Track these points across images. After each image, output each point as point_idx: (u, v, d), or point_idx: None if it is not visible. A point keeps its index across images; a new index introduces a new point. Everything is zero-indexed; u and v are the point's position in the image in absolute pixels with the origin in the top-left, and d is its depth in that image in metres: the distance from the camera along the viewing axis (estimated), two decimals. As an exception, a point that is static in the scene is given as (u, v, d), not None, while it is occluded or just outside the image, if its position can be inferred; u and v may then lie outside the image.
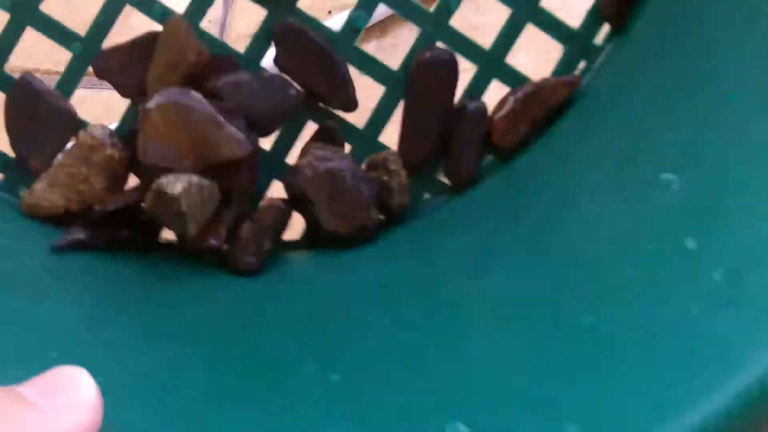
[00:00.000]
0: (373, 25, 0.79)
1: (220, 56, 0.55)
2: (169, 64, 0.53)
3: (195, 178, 0.49)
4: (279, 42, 0.54)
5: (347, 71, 0.55)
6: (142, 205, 0.50)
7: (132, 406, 0.38)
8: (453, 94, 0.55)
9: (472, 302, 0.46)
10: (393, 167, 0.55)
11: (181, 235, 0.51)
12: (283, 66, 0.55)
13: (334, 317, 0.49)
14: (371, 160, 0.56)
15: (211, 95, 0.52)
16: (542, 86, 0.55)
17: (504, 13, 0.57)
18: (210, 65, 0.54)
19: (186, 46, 0.52)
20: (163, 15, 0.55)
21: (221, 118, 0.50)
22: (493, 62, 0.57)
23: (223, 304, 0.52)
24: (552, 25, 0.57)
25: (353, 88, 0.55)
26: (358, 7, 0.56)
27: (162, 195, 0.48)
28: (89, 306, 0.49)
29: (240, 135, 0.50)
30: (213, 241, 0.51)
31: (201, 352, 0.46)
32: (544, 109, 0.55)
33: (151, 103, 0.49)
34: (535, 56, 0.62)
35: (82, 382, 0.26)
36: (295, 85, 0.54)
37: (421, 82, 0.55)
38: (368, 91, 0.56)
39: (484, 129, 0.56)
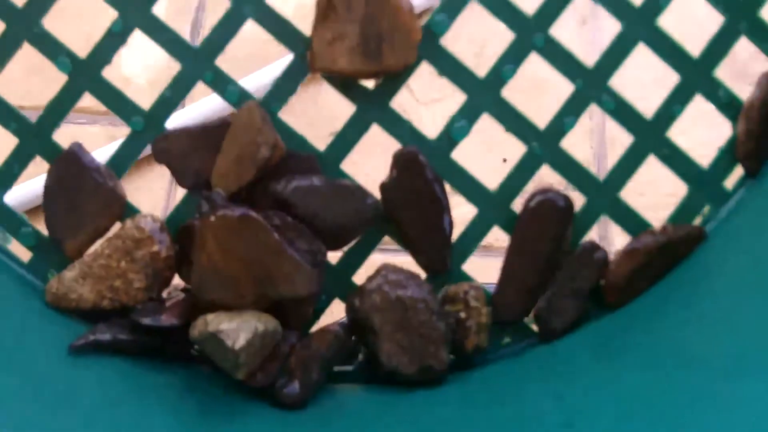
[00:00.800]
0: None
1: (297, 154, 0.48)
2: (240, 157, 0.46)
3: (260, 326, 0.44)
4: (394, 166, 0.49)
5: (450, 232, 0.49)
6: (190, 333, 0.44)
7: None
8: (565, 240, 0.48)
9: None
10: (474, 304, 0.49)
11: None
12: (386, 193, 0.49)
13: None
14: (449, 292, 0.49)
15: (279, 200, 0.46)
16: (672, 238, 0.48)
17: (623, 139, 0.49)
18: (285, 162, 0.47)
19: (261, 138, 0.46)
20: (240, 99, 0.49)
21: (288, 248, 0.44)
22: (605, 196, 0.50)
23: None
24: (678, 161, 0.50)
25: (449, 251, 0.50)
26: (459, 119, 0.49)
27: (219, 341, 0.42)
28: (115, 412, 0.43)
29: (307, 269, 0.44)
30: (260, 380, 0.44)
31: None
32: (669, 264, 0.48)
33: (209, 226, 0.43)
34: (654, 196, 0.55)
35: None
36: (374, 197, 0.48)
37: (531, 227, 0.49)
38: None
39: (595, 280, 0.49)
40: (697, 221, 0.50)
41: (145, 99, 0.50)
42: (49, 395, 0.43)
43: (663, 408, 0.40)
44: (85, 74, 0.49)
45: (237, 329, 0.43)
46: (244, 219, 0.43)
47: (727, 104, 0.50)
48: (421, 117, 0.70)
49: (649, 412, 0.40)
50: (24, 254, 0.51)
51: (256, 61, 0.73)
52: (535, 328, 0.50)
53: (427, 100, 0.54)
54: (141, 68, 0.59)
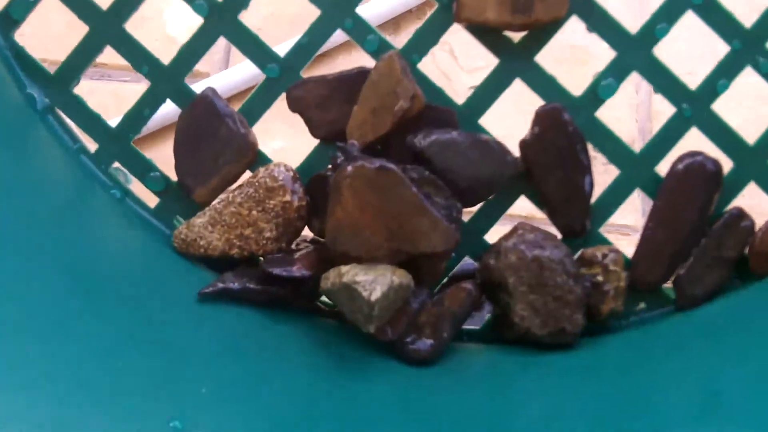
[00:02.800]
0: (387, 21, 0.73)
1: (436, 107, 0.47)
2: (378, 108, 0.46)
3: (396, 280, 0.43)
4: (536, 123, 0.48)
5: (590, 194, 0.49)
6: (321, 284, 0.44)
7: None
8: (711, 207, 0.47)
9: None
10: (613, 267, 0.48)
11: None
12: (526, 150, 0.48)
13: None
14: (586, 255, 0.48)
15: (416, 153, 0.45)
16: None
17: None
18: (423, 115, 0.47)
19: (400, 89, 0.45)
20: (379, 48, 0.49)
21: (426, 203, 0.44)
22: (755, 162, 0.49)
23: (390, 394, 0.45)
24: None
25: (588, 214, 0.49)
26: (606, 76, 0.48)
27: (354, 291, 0.42)
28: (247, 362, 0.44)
29: (445, 225, 0.44)
30: (390, 335, 0.44)
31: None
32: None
33: (345, 177, 0.43)
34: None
35: None
36: (514, 154, 0.47)
37: (677, 191, 0.48)
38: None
39: (741, 249, 0.48)
40: None
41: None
42: (177, 343, 0.44)
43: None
44: (221, 17, 0.49)
45: (373, 281, 0.43)
46: (381, 171, 0.43)
47: None
48: (464, 85, 0.69)
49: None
50: (150, 199, 0.51)
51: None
52: (672, 295, 0.49)
53: (471, 68, 0.53)
54: (185, 29, 0.57)
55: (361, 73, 0.48)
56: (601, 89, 0.48)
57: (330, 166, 0.46)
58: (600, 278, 0.48)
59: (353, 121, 0.47)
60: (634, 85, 0.71)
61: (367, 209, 0.43)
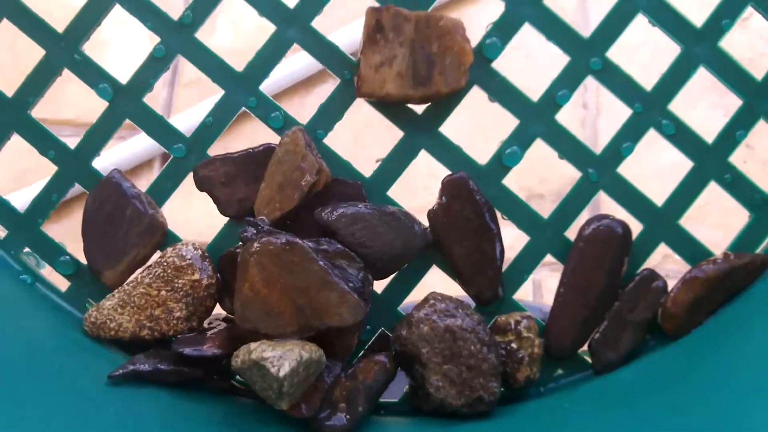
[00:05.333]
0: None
1: (343, 181, 0.49)
2: (284, 184, 0.47)
3: (305, 354, 0.44)
4: (443, 193, 0.49)
5: (501, 262, 0.50)
6: (232, 363, 0.44)
7: None
8: (621, 270, 0.49)
9: None
10: (526, 334, 0.49)
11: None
12: (434, 221, 0.49)
13: None
14: (499, 322, 0.49)
15: (324, 227, 0.46)
16: (734, 266, 0.48)
17: (683, 164, 0.50)
18: (330, 189, 0.48)
19: (305, 163, 0.47)
20: (285, 125, 0.50)
21: (333, 276, 0.44)
22: (664, 224, 0.50)
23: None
24: (740, 186, 0.50)
25: (500, 281, 0.50)
26: (510, 144, 0.50)
27: (263, 368, 0.42)
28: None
29: (353, 298, 0.45)
30: (304, 411, 0.45)
31: None
32: (730, 294, 0.48)
33: (252, 254, 0.44)
34: (711, 223, 0.55)
35: None
36: (423, 225, 0.48)
37: (586, 255, 0.49)
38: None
39: (654, 311, 0.49)
40: (760, 249, 0.50)
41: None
42: (87, 426, 0.44)
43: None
44: (126, 100, 0.50)
45: (281, 357, 0.43)
46: (288, 246, 0.44)
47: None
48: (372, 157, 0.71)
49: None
50: (60, 283, 0.51)
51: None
52: (588, 359, 0.50)
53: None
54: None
55: (267, 150, 0.49)
56: (505, 157, 0.50)
57: (240, 243, 0.47)
58: (514, 345, 0.49)
59: (260, 199, 0.48)
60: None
61: (275, 285, 0.44)
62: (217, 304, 0.49)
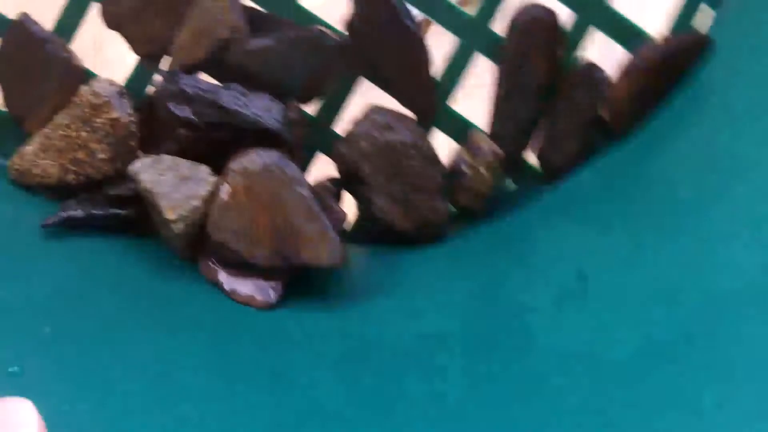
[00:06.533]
0: None
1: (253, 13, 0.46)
2: (199, 32, 0.45)
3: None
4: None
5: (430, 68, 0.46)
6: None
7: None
8: (554, 58, 0.46)
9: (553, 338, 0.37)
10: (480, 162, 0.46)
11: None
12: (354, 30, 0.46)
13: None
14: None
15: (235, 67, 0.45)
16: (674, 48, 0.45)
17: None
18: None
19: (225, 18, 0.44)
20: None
21: (317, 209, 0.41)
22: (594, 7, 0.47)
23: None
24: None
25: (433, 90, 0.47)
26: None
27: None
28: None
29: (333, 236, 0.42)
30: None
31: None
32: (673, 78, 0.45)
33: (239, 165, 0.42)
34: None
35: (27, 416, 0.26)
36: (338, 36, 0.46)
37: (517, 49, 0.46)
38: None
39: (597, 106, 0.46)
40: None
41: None
42: (19, 279, 0.43)
43: (676, 248, 0.38)
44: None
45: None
46: (280, 167, 0.42)
47: None
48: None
49: (661, 251, 0.38)
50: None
51: None
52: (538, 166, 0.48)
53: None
54: None
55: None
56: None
57: (154, 87, 0.45)
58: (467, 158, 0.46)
59: (178, 43, 0.46)
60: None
61: (258, 198, 0.41)
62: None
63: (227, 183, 0.41)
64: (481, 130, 0.47)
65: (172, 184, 0.42)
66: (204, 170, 0.43)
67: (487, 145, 0.46)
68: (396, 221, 0.45)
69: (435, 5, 0.47)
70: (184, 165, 0.43)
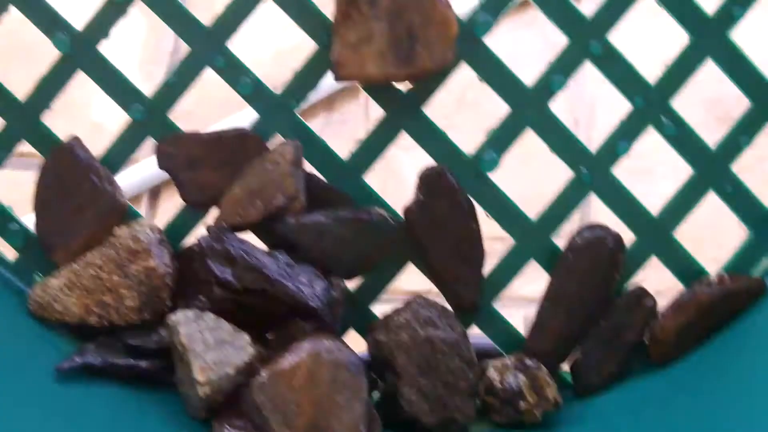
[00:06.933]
0: (321, 101, 0.75)
1: (332, 190, 0.46)
2: (254, 192, 0.44)
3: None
4: (421, 187, 0.46)
5: (482, 266, 0.46)
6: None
7: None
8: (611, 285, 0.46)
9: None
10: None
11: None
12: (411, 218, 0.46)
13: None
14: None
15: (284, 240, 0.44)
16: (728, 290, 0.45)
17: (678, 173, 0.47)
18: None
19: (285, 185, 0.44)
20: (254, 92, 0.47)
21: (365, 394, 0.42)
22: (657, 235, 0.47)
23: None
24: (741, 200, 0.47)
25: (480, 287, 0.47)
26: (486, 148, 0.47)
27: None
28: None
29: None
30: None
31: None
32: (723, 319, 0.45)
33: (319, 347, 0.41)
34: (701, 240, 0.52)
35: None
36: (395, 222, 0.45)
37: (573, 266, 0.46)
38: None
39: (641, 332, 0.46)
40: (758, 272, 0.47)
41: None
42: (33, 416, 0.41)
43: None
44: (81, 49, 0.46)
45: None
46: (348, 375, 0.42)
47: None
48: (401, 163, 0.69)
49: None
50: (9, 251, 0.48)
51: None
52: (569, 380, 0.48)
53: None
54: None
55: (239, 135, 0.46)
56: (488, 155, 0.47)
57: (198, 241, 0.44)
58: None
59: (229, 197, 0.45)
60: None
61: (312, 386, 0.41)
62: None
63: (296, 355, 0.41)
64: (522, 336, 0.47)
65: (210, 344, 0.42)
66: (245, 338, 0.43)
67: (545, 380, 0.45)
68: (421, 415, 0.44)
69: (495, 202, 0.47)
70: (226, 328, 0.42)
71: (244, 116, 0.68)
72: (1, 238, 0.47)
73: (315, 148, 0.47)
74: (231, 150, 0.45)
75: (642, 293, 0.46)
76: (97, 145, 0.47)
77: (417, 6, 0.44)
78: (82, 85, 0.47)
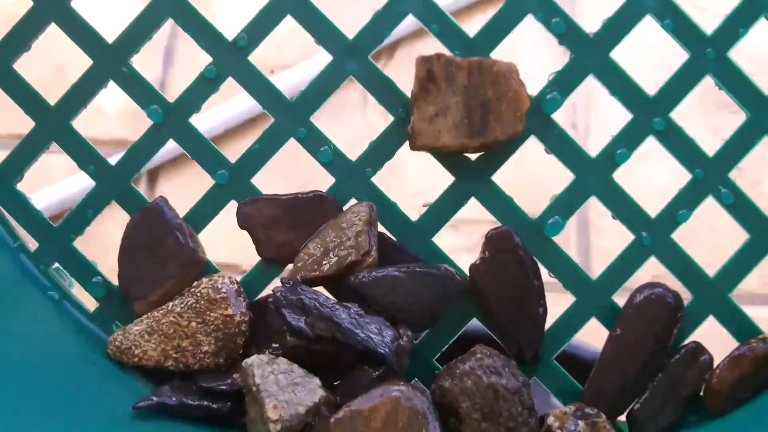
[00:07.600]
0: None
1: (403, 250, 0.49)
2: (329, 249, 0.47)
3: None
4: (486, 247, 0.48)
5: (543, 321, 0.48)
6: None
7: None
8: (669, 340, 0.47)
9: None
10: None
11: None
12: (476, 275, 0.48)
13: None
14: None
15: (357, 293, 0.46)
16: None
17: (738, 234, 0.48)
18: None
19: (358, 242, 0.46)
20: (333, 160, 0.50)
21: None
22: (713, 295, 0.49)
23: None
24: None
25: (541, 342, 0.48)
26: (552, 210, 0.49)
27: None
28: None
29: None
30: None
31: None
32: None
33: (397, 393, 0.43)
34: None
35: None
36: (460, 277, 0.48)
37: (635, 323, 0.48)
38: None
39: (698, 386, 0.48)
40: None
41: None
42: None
43: None
44: (173, 120, 0.50)
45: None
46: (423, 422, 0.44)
47: None
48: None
49: None
50: (87, 299, 0.51)
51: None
52: (625, 430, 0.48)
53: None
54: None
55: (316, 197, 0.48)
56: (556, 212, 0.49)
57: (273, 291, 0.46)
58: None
59: (304, 252, 0.47)
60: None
61: (388, 426, 0.43)
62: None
63: (375, 398, 0.43)
64: (580, 388, 0.48)
65: (282, 385, 0.44)
66: (316, 381, 0.44)
67: (604, 427, 0.46)
68: (481, 459, 0.45)
69: (560, 267, 0.49)
70: (298, 372, 0.44)
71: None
72: (85, 289, 0.50)
73: (387, 210, 0.49)
74: (308, 211, 0.48)
75: (698, 348, 0.47)
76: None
77: (492, 83, 0.47)
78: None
